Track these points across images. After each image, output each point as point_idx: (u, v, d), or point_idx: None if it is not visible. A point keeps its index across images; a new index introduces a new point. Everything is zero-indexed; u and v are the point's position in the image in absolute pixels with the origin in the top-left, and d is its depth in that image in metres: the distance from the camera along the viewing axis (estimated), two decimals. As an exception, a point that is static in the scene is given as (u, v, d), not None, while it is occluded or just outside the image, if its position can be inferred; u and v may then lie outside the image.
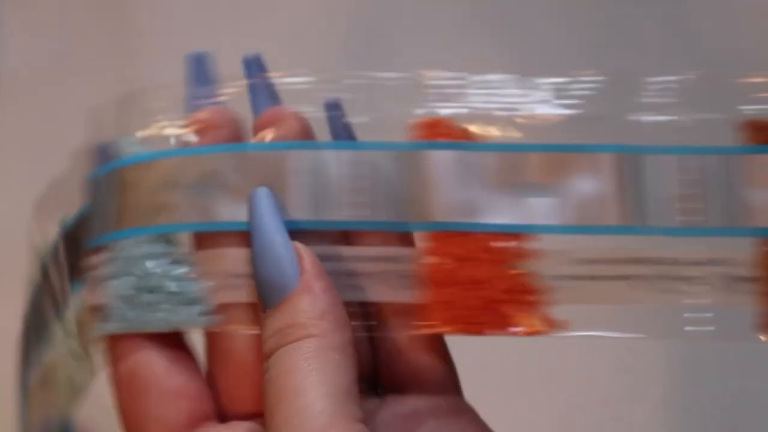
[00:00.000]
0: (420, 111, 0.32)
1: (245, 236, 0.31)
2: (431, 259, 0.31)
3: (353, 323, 0.30)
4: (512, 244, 0.30)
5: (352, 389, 0.29)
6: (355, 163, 0.31)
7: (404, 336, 0.32)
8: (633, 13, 0.67)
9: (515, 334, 0.30)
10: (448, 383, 0.33)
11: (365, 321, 0.32)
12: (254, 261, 0.30)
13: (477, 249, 0.30)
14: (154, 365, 0.31)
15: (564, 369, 0.61)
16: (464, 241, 0.31)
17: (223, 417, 0.31)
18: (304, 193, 0.31)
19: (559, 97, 0.31)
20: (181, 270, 0.32)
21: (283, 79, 0.33)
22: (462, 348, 0.34)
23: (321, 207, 0.31)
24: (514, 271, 0.30)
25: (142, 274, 0.31)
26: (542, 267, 0.30)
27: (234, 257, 0.31)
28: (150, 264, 0.32)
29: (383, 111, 0.32)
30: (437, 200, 0.31)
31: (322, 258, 0.31)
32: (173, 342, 0.32)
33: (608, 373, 0.61)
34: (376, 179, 0.31)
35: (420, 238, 0.31)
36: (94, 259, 0.33)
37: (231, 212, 0.31)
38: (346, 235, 0.32)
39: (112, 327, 0.31)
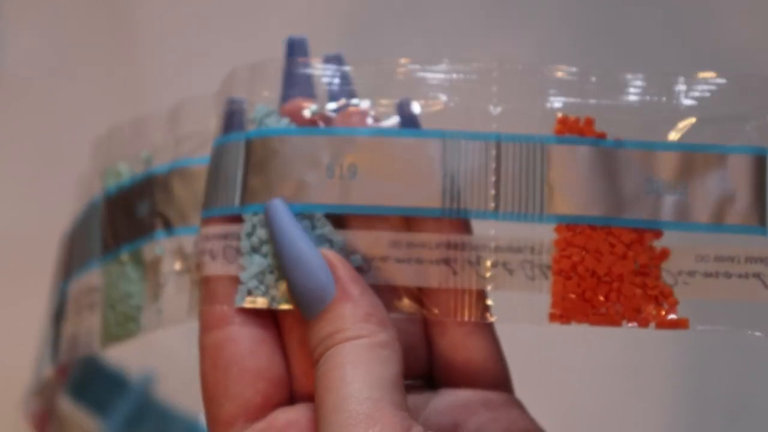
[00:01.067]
0: (549, 105, 0.32)
1: (388, 219, 0.32)
2: (562, 252, 0.31)
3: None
4: (642, 239, 0.31)
5: (397, 381, 0.30)
6: (487, 154, 0.32)
7: (460, 331, 0.33)
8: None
9: (645, 326, 0.31)
10: (500, 378, 0.34)
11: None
12: (287, 273, 0.31)
13: (608, 243, 0.31)
14: (241, 343, 0.32)
15: (566, 368, 0.61)
16: (595, 235, 0.31)
17: (293, 400, 0.32)
18: (438, 182, 0.32)
19: (687, 98, 0.32)
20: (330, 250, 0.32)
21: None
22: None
23: (455, 196, 0.32)
24: (644, 266, 0.31)
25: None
26: (671, 263, 0.31)
27: (378, 239, 0.32)
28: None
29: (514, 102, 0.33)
30: (570, 194, 0.31)
31: (439, 245, 0.31)
32: (263, 321, 0.32)
33: (612, 373, 0.61)
34: (506, 170, 0.32)
35: (547, 231, 0.31)
36: (219, 228, 0.33)
37: (368, 196, 0.32)
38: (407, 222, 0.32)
39: (259, 301, 0.32)
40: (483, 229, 0.32)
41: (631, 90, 0.32)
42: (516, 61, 0.33)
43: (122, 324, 0.36)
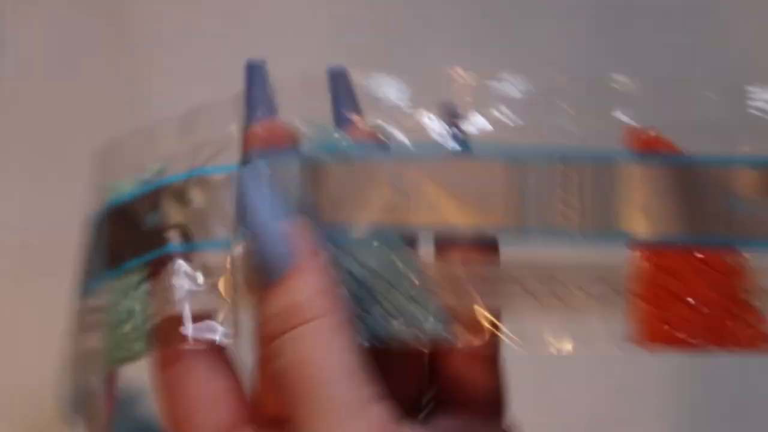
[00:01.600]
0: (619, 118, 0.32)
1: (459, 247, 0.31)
2: (640, 273, 0.30)
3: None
4: (723, 258, 0.30)
5: (365, 365, 0.29)
6: (557, 171, 0.31)
7: (465, 361, 0.32)
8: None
9: (735, 350, 0.30)
10: (499, 410, 0.33)
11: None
12: (250, 242, 0.30)
13: (687, 263, 0.30)
14: (197, 373, 0.31)
15: (566, 368, 0.61)
16: (674, 255, 0.30)
17: (260, 422, 0.32)
18: (506, 201, 0.31)
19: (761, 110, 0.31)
20: (414, 277, 0.31)
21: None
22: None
23: (523, 216, 0.31)
24: (725, 285, 0.30)
25: (371, 277, 0.31)
26: (754, 282, 0.30)
27: (456, 269, 0.31)
28: (382, 267, 0.31)
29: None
30: (646, 212, 0.30)
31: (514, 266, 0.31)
32: (214, 350, 0.32)
33: (612, 383, 0.61)
34: (578, 188, 0.31)
35: (624, 252, 0.31)
36: None
37: (433, 216, 0.31)
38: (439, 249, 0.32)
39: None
40: (554, 250, 0.31)
41: (703, 102, 0.31)
42: (580, 72, 0.32)
43: (124, 346, 0.34)
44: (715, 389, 0.60)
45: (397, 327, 0.30)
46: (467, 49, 0.65)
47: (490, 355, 0.33)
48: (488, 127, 0.32)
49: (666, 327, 0.30)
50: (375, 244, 0.31)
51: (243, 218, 0.30)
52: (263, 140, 0.32)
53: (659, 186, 0.31)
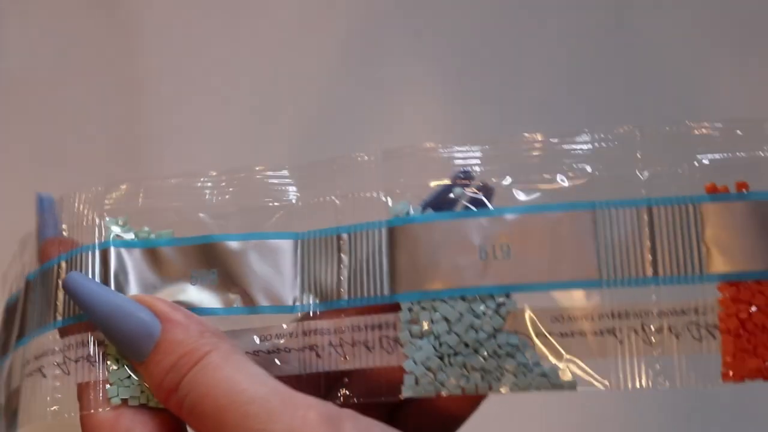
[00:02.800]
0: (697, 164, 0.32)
1: None
2: (728, 310, 0.31)
3: None
4: None
5: (268, 373, 0.31)
6: (640, 220, 0.32)
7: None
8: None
9: None
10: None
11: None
12: (106, 326, 0.32)
13: None
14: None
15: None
16: (761, 289, 0.31)
17: None
18: (593, 252, 0.32)
19: None
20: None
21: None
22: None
23: (611, 266, 0.32)
24: None
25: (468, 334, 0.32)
26: None
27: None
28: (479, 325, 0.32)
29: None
30: (729, 250, 0.31)
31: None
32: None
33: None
34: (661, 234, 0.32)
35: (710, 291, 0.31)
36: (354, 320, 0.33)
37: (524, 273, 0.32)
38: None
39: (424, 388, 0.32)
40: (644, 295, 0.32)
41: None
42: (655, 123, 0.33)
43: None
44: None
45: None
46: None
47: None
48: (572, 182, 0.33)
49: (757, 361, 0.31)
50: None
51: (92, 309, 0.33)
52: (56, 249, 0.35)
53: (739, 224, 0.31)
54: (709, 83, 0.63)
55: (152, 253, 0.35)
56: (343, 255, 0.34)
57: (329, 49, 0.65)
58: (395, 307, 0.33)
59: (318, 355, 0.33)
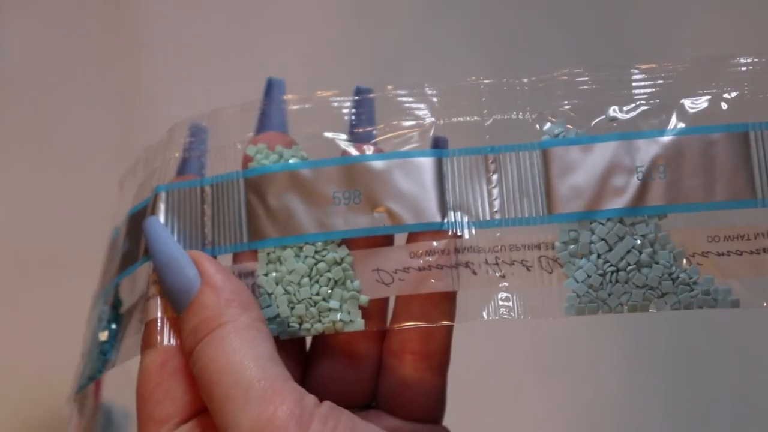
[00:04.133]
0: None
1: None
2: None
3: None
4: None
5: (272, 356, 0.31)
6: None
7: (416, 373, 0.35)
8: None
9: None
10: (437, 414, 0.36)
11: None
12: (160, 276, 0.33)
13: None
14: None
15: (565, 369, 0.63)
16: None
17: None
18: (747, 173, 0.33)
19: None
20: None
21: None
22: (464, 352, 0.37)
23: None
24: None
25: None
26: None
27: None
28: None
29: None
30: None
31: None
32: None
33: (611, 376, 0.63)
34: None
35: None
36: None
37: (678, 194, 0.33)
38: None
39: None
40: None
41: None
42: None
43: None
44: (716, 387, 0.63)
45: None
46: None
47: (439, 363, 0.35)
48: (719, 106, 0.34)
49: None
50: None
51: (152, 257, 0.33)
52: (275, 142, 0.34)
53: None
54: None
55: (293, 176, 0.34)
56: (493, 175, 0.33)
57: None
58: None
59: (474, 273, 0.33)
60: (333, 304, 0.33)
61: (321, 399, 0.31)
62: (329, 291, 0.33)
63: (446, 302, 0.33)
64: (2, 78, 0.64)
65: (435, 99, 0.34)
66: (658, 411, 0.61)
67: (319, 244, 0.33)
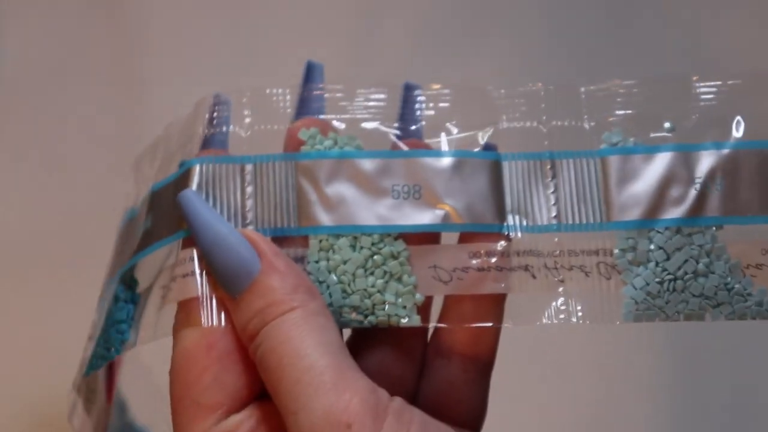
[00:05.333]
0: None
1: None
2: None
3: None
4: None
5: (342, 345, 0.31)
6: None
7: (464, 375, 0.34)
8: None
9: None
10: (479, 418, 0.35)
11: None
12: (209, 254, 0.31)
13: None
14: (236, 335, 0.32)
15: (565, 370, 0.63)
16: None
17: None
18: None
19: None
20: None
21: None
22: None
23: None
24: None
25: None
26: None
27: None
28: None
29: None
30: None
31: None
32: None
33: (607, 373, 0.64)
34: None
35: None
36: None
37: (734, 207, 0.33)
38: None
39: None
40: None
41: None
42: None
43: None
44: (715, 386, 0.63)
45: None
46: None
47: (486, 366, 0.35)
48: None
49: None
50: None
51: (197, 233, 0.32)
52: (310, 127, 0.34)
53: None
54: None
55: (350, 165, 0.33)
56: (552, 180, 0.34)
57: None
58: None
59: (533, 276, 0.33)
60: (389, 297, 0.33)
61: None
62: (384, 284, 0.33)
63: (499, 305, 0.33)
64: (2, 78, 0.64)
65: (494, 101, 0.35)
66: (658, 411, 0.62)
67: (376, 236, 0.33)
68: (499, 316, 0.33)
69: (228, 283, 0.31)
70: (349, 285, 0.33)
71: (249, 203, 0.33)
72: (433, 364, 0.35)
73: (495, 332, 0.34)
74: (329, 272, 0.33)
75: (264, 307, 0.30)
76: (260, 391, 0.31)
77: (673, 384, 0.63)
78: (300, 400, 0.29)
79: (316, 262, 0.33)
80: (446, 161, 0.33)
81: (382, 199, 0.33)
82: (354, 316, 0.33)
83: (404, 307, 0.33)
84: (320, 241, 0.33)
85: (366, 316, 0.33)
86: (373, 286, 0.33)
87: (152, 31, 0.66)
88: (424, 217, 0.33)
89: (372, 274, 0.33)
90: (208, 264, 0.32)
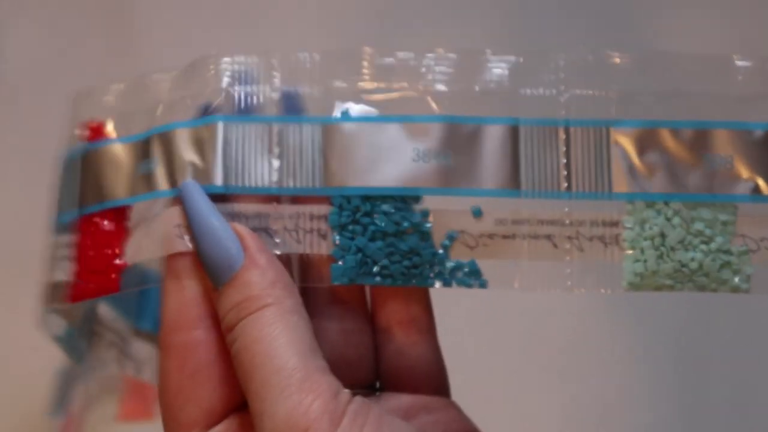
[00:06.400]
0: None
1: None
2: None
3: None
4: None
5: (312, 345, 0.31)
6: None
7: (407, 338, 0.35)
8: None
9: None
10: (440, 384, 0.36)
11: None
12: (198, 244, 0.33)
13: None
14: (209, 348, 0.33)
15: (564, 367, 0.63)
16: None
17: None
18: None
19: None
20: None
21: None
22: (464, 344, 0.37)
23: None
24: None
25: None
26: None
27: None
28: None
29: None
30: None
31: None
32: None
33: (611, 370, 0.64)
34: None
35: None
36: None
37: None
38: None
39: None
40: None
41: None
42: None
43: None
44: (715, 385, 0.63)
45: None
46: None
47: (426, 325, 0.36)
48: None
49: None
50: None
51: (191, 223, 0.33)
52: None
53: None
54: None
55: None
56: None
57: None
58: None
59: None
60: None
61: None
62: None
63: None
64: (2, 78, 0.65)
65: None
66: (659, 410, 0.62)
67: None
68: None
69: (213, 274, 0.32)
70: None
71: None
72: (380, 343, 0.36)
73: (422, 293, 0.35)
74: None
75: (241, 301, 0.31)
76: (238, 402, 0.32)
77: (674, 384, 0.63)
78: (266, 403, 0.30)
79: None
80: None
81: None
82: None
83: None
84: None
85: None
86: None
87: (152, 32, 0.67)
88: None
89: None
90: (197, 254, 0.33)
